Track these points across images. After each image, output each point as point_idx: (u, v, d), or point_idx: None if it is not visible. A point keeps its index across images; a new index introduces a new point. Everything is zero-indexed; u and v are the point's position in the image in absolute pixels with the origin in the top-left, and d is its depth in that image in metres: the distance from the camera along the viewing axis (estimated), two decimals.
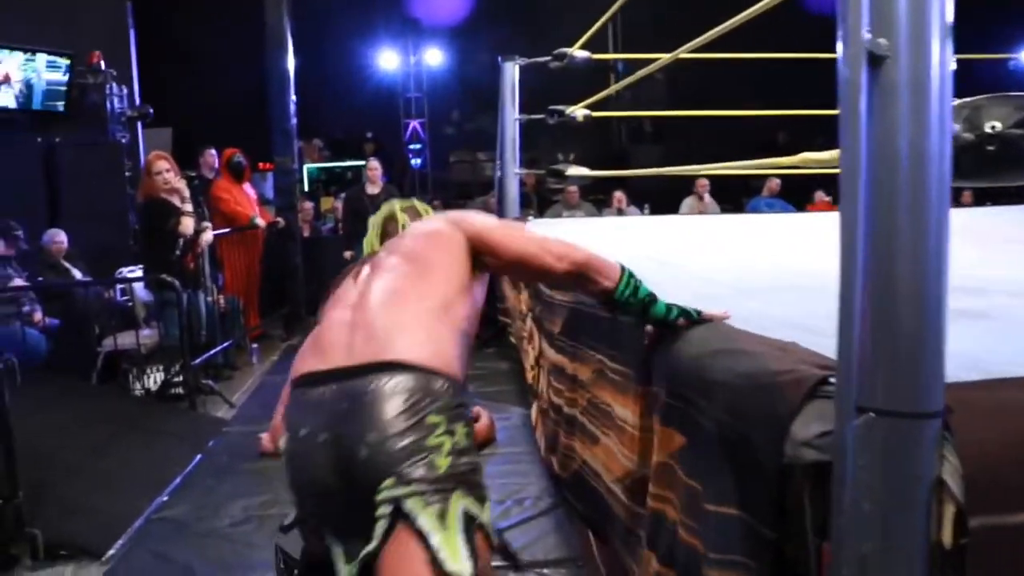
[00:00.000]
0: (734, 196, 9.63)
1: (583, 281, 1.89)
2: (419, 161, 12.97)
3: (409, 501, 1.48)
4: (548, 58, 6.18)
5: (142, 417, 4.82)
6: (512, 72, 6.49)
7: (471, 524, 1.52)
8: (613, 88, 5.37)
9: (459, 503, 1.52)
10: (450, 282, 1.78)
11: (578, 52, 5.99)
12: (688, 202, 9.28)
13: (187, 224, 5.31)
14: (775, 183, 9.22)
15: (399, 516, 1.48)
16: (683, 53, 3.31)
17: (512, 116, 6.57)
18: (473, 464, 1.58)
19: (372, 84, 12.45)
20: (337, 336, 1.71)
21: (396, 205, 2.23)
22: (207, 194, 6.54)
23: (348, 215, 7.63)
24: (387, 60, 12.46)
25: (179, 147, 8.15)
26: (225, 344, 5.87)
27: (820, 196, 9.21)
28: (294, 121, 7.63)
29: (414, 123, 12.69)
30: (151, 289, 5.63)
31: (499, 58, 6.52)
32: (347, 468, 1.54)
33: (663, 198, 9.67)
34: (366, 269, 1.89)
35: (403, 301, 1.73)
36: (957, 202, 9.13)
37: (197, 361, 5.28)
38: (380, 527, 1.49)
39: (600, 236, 4.81)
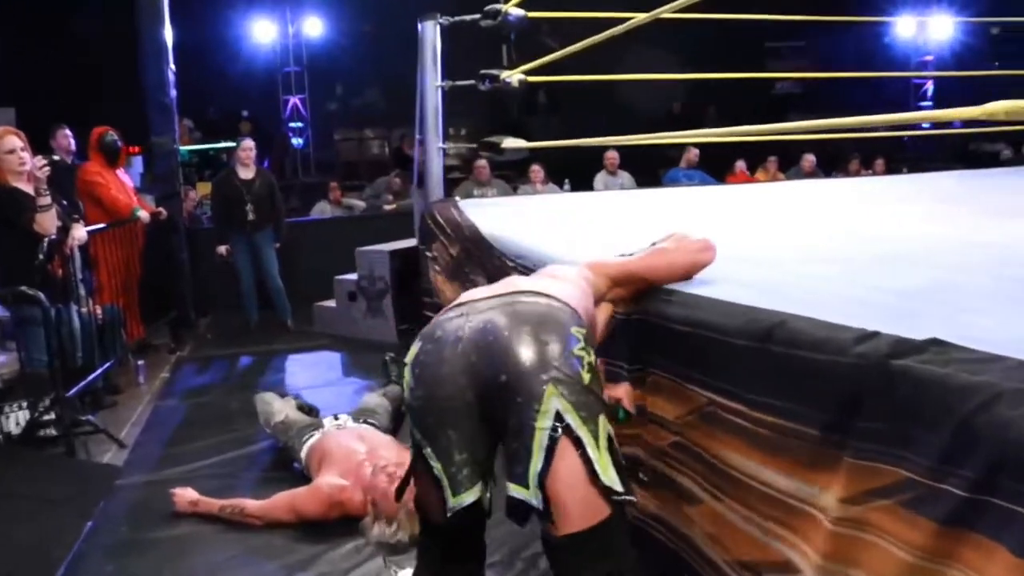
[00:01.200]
0: (651, 168, 9.02)
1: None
2: (301, 141, 11.82)
3: (573, 416, 1.53)
4: (478, 16, 5.33)
5: (3, 475, 3.70)
6: (433, 33, 5.57)
7: (612, 445, 1.59)
8: (560, 53, 4.55)
9: (603, 422, 1.58)
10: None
11: (513, 9, 5.17)
12: (601, 177, 8.60)
13: (45, 222, 4.13)
14: (694, 153, 8.66)
15: (561, 430, 1.52)
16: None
17: (434, 83, 5.66)
18: (600, 386, 1.65)
19: (246, 58, 11.14)
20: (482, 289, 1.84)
21: None
22: (74, 181, 5.32)
23: (218, 203, 6.56)
24: (262, 31, 11.16)
25: (25, 131, 6.78)
26: (106, 365, 4.73)
27: (741, 167, 8.72)
28: (174, 94, 6.43)
29: (294, 100, 11.52)
30: (5, 304, 4.44)
31: (417, 19, 5.59)
32: (492, 355, 1.57)
33: (575, 174, 8.97)
34: None
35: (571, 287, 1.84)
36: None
37: (73, 391, 4.16)
38: (540, 440, 1.52)
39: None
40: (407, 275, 6.00)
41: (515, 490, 1.57)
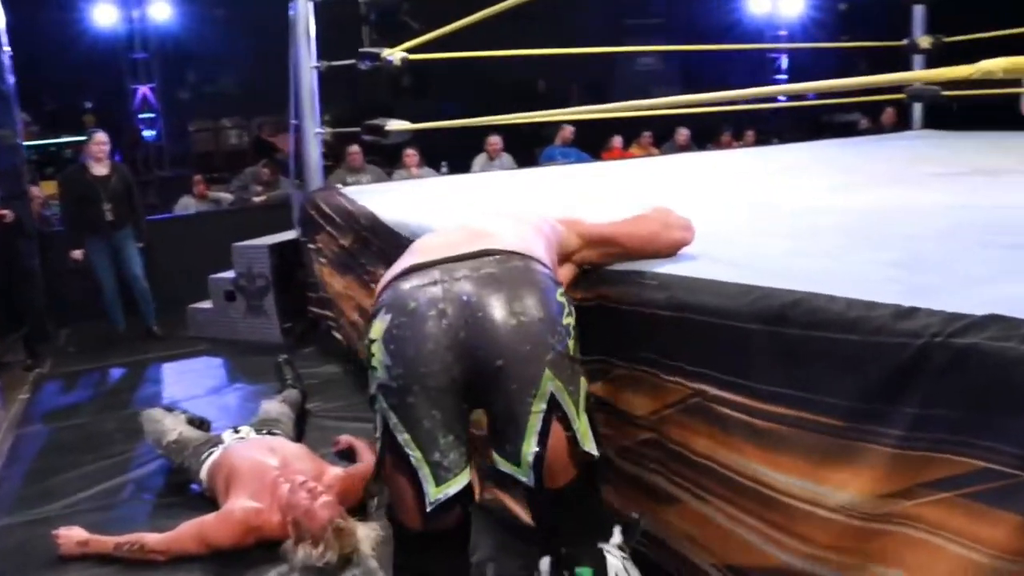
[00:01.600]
0: (527, 148, 8.88)
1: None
2: (153, 133, 10.98)
3: (561, 396, 1.51)
4: None
5: None
6: (306, 10, 5.20)
7: (588, 402, 1.58)
8: (446, 29, 4.31)
9: (584, 387, 1.57)
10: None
11: None
12: (480, 161, 8.39)
13: None
14: (569, 131, 8.58)
15: (554, 409, 1.50)
16: None
17: (308, 63, 5.30)
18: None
19: (87, 45, 10.22)
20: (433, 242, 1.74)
21: None
22: None
23: (69, 202, 5.97)
24: (104, 15, 10.27)
25: None
26: None
27: (617, 142, 8.70)
28: (12, 80, 5.73)
29: (143, 89, 10.67)
30: None
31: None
32: (482, 337, 1.49)
33: (450, 157, 8.72)
34: None
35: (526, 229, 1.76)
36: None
37: None
38: (535, 422, 1.50)
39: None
40: (289, 270, 5.63)
41: (504, 465, 1.55)
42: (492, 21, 3.90)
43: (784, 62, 11.58)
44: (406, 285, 1.58)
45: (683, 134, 8.79)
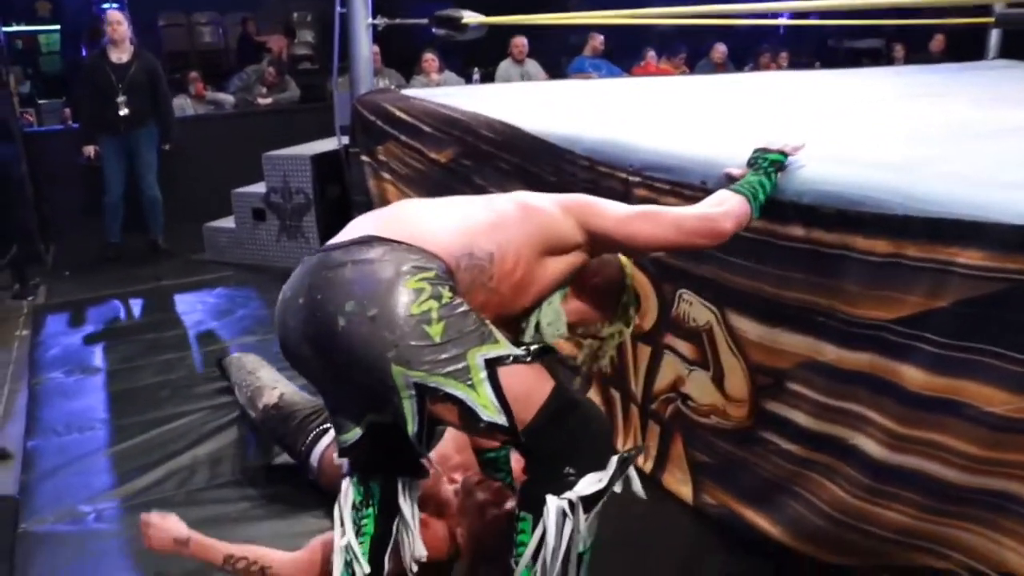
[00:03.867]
0: (554, 57, 7.90)
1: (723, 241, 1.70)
2: None
3: (430, 380, 1.40)
4: None
5: None
6: None
7: (494, 369, 1.43)
8: None
9: (476, 358, 1.43)
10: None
11: None
12: (505, 66, 7.41)
13: None
14: (599, 41, 7.61)
15: (426, 392, 1.41)
16: None
17: None
18: (466, 316, 1.43)
19: None
20: (360, 219, 1.60)
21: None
22: None
23: (88, 94, 4.97)
24: None
25: None
26: None
27: (651, 56, 7.80)
28: None
29: None
30: None
31: None
32: (324, 338, 1.43)
33: (470, 64, 7.73)
34: None
35: (447, 213, 1.59)
36: None
37: None
38: (409, 407, 1.42)
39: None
40: (334, 185, 4.68)
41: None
42: None
43: None
44: (300, 265, 1.54)
45: (720, 51, 7.92)
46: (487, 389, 1.43)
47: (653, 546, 2.12)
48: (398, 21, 4.47)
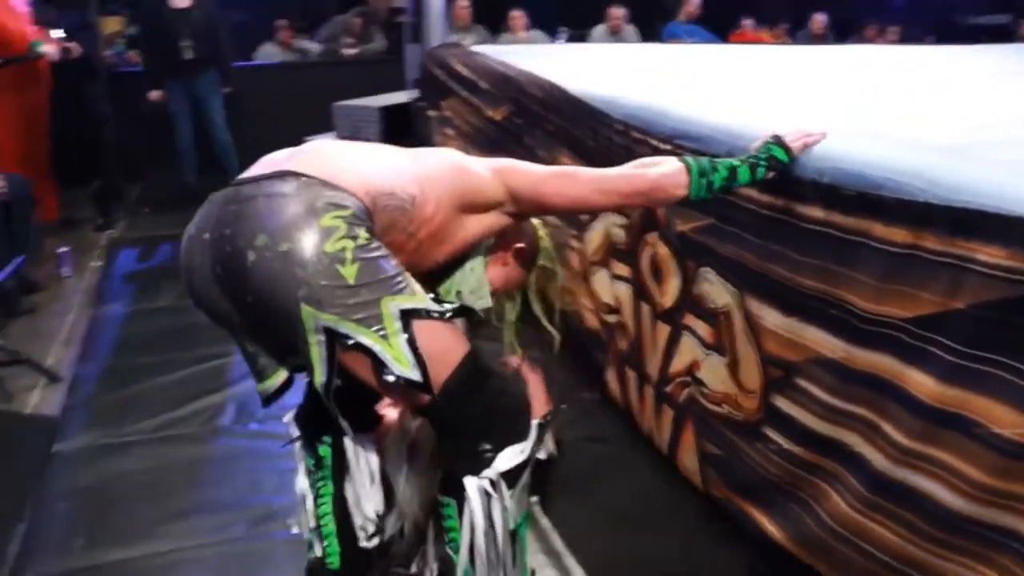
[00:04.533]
0: (648, 21, 7.62)
1: (653, 204, 1.93)
2: None
3: (342, 325, 1.31)
4: None
5: None
6: None
7: (408, 321, 1.35)
8: None
9: (389, 306, 1.34)
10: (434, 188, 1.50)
11: None
12: (599, 31, 7.20)
13: None
14: (693, 5, 7.29)
15: (336, 338, 1.32)
16: None
17: None
18: (383, 262, 1.35)
19: None
20: (273, 156, 1.49)
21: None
22: None
23: (146, 39, 5.14)
24: None
25: None
26: (17, 262, 3.30)
27: (749, 24, 7.43)
28: None
29: None
30: None
31: None
32: (232, 275, 1.34)
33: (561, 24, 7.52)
34: None
35: (370, 154, 1.54)
36: None
37: None
38: (317, 353, 1.32)
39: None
40: (402, 138, 4.65)
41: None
42: None
43: None
44: (206, 202, 1.44)
45: (819, 21, 7.47)
46: (400, 341, 1.33)
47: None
48: None
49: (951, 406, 1.31)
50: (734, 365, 1.91)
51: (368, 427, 1.68)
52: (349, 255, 1.31)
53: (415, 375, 1.34)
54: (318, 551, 1.69)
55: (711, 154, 1.81)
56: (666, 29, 7.43)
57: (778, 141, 1.63)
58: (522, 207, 1.61)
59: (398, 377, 1.33)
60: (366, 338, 1.31)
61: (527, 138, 3.08)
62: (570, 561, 1.94)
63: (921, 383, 1.36)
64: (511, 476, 1.44)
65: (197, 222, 1.42)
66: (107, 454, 2.37)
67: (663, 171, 1.58)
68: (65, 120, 4.58)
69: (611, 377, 2.57)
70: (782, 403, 1.73)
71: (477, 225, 1.58)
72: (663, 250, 2.19)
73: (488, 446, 1.43)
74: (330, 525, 1.67)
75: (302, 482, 1.70)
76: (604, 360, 2.61)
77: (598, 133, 2.46)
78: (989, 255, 1.25)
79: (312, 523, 1.69)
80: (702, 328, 2.04)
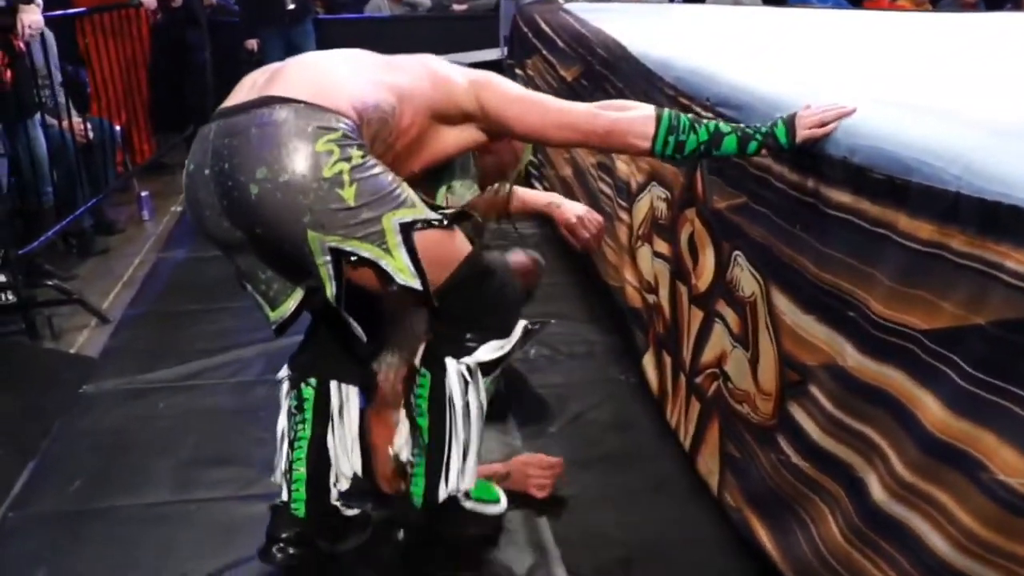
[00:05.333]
0: None
1: (611, 150, 2.11)
2: None
3: (346, 244, 1.38)
4: None
5: None
6: None
7: (409, 232, 1.42)
8: None
9: (391, 221, 1.40)
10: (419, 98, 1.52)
11: None
12: None
13: None
14: None
15: (342, 256, 1.39)
16: None
17: None
18: (379, 178, 1.39)
19: None
20: (253, 78, 1.51)
21: None
22: None
23: None
24: None
25: None
26: (91, 202, 3.41)
27: None
28: None
29: None
30: None
31: None
32: (239, 208, 1.38)
33: None
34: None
35: (353, 66, 1.53)
36: None
37: (34, 245, 2.89)
38: (326, 272, 1.40)
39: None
40: None
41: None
42: None
43: None
44: (197, 137, 1.45)
45: None
46: (402, 253, 1.41)
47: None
48: None
49: (958, 440, 1.08)
50: (755, 362, 1.70)
51: (376, 330, 1.68)
52: (346, 177, 1.35)
53: (416, 284, 1.42)
54: (285, 495, 1.67)
55: (747, 123, 1.60)
56: None
57: (789, 120, 1.44)
58: (489, 125, 1.59)
59: (401, 286, 1.42)
60: (369, 253, 1.39)
61: (591, 100, 2.88)
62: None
63: (930, 409, 1.14)
64: (487, 367, 1.56)
65: (193, 158, 1.45)
66: (131, 398, 2.39)
67: (628, 116, 1.54)
68: (165, 67, 4.70)
69: (648, 360, 2.39)
70: (796, 411, 1.52)
71: (453, 140, 1.59)
72: (700, 228, 1.99)
73: (472, 336, 1.54)
74: (301, 471, 1.66)
75: (282, 422, 1.72)
76: (644, 342, 2.43)
77: (649, 96, 2.25)
78: (1018, 262, 1.01)
79: (283, 466, 1.68)
80: (731, 317, 1.84)
